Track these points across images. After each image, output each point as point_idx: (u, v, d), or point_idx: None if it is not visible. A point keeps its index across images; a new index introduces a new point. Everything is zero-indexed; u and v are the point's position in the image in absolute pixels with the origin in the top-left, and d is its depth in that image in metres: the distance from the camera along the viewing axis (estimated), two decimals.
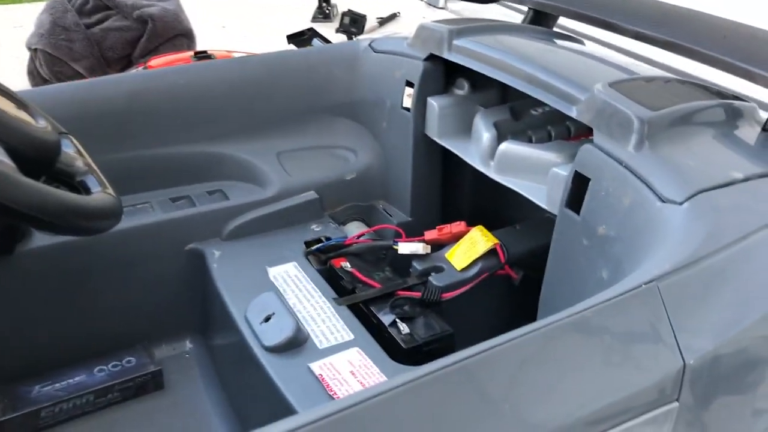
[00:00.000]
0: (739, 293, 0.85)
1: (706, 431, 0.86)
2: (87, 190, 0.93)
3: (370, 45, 1.64)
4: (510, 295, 1.40)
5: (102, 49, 3.24)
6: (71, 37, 3.18)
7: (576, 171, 1.11)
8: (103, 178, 0.97)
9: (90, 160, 1.00)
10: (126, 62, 3.29)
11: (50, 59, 3.19)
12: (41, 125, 0.93)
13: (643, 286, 0.81)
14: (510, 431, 0.71)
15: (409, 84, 1.51)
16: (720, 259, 0.87)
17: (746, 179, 1.00)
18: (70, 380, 1.35)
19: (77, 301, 1.37)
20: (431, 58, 1.49)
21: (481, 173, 1.40)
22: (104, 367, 1.39)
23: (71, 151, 1.00)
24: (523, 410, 0.72)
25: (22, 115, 0.96)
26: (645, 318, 0.80)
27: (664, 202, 0.96)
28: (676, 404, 0.80)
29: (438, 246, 1.43)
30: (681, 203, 0.94)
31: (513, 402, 0.71)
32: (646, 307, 0.80)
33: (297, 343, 1.17)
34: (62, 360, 1.37)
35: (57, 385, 1.34)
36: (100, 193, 0.91)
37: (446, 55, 1.44)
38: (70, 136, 1.04)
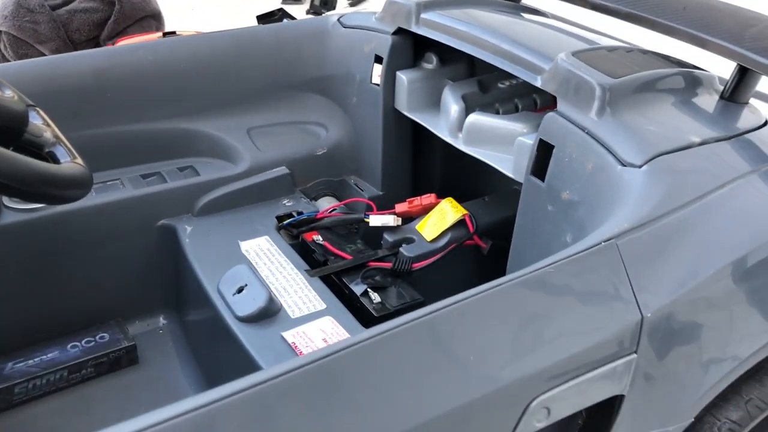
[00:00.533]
0: (694, 250, 0.89)
1: (662, 383, 0.89)
2: (56, 161, 0.93)
3: (339, 20, 1.64)
4: (479, 264, 1.42)
5: (68, 31, 3.18)
6: (36, 18, 3.12)
7: (540, 139, 1.13)
8: (72, 148, 0.97)
9: (58, 132, 1.00)
10: (93, 44, 3.24)
11: (15, 41, 3.13)
12: (8, 95, 0.93)
13: (603, 243, 0.84)
14: (474, 381, 0.73)
15: (378, 60, 1.52)
16: (677, 218, 0.90)
17: (703, 143, 1.03)
18: (44, 356, 1.35)
19: (49, 278, 1.37)
20: (400, 32, 1.50)
21: (451, 146, 1.42)
22: (77, 344, 1.39)
23: (39, 122, 1.00)
24: (486, 361, 0.75)
25: None
26: (604, 274, 0.83)
27: (624, 165, 0.99)
28: (634, 356, 0.84)
29: (409, 218, 1.45)
30: (640, 166, 0.97)
31: (477, 353, 0.74)
32: (605, 264, 0.83)
33: (270, 313, 1.19)
34: (35, 337, 1.37)
35: (30, 361, 1.34)
36: (70, 163, 0.92)
37: (414, 29, 1.45)
38: (38, 108, 1.04)
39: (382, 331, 0.70)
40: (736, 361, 0.93)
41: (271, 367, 0.66)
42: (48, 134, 0.98)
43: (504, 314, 0.77)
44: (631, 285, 0.83)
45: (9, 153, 0.79)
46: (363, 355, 0.69)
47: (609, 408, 0.89)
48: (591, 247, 0.83)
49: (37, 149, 0.94)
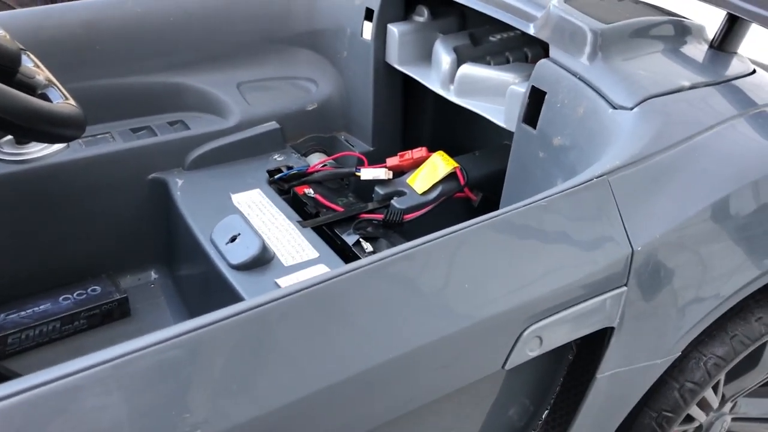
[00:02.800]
0: (683, 188, 0.90)
1: (651, 317, 0.91)
2: (50, 101, 0.93)
3: None
4: (470, 216, 1.42)
5: None
6: None
7: (533, 86, 1.14)
8: (64, 90, 0.97)
9: (50, 75, 0.99)
10: None
11: None
12: (0, 34, 0.92)
13: (595, 179, 0.85)
14: (469, 308, 0.75)
15: (369, 13, 1.52)
16: (666, 157, 0.91)
17: (692, 87, 1.05)
18: (36, 308, 1.35)
19: (40, 230, 1.36)
20: None
21: (442, 101, 1.43)
22: (69, 296, 1.39)
23: (30, 65, 0.99)
24: (481, 290, 0.76)
25: None
26: (596, 208, 0.84)
27: (615, 108, 1.00)
28: (624, 289, 0.86)
29: (400, 172, 1.46)
30: (631, 108, 0.99)
31: (472, 282, 0.75)
32: (597, 199, 0.85)
33: (263, 261, 1.20)
34: (27, 290, 1.38)
35: (23, 312, 1.34)
36: (63, 103, 0.91)
37: None
38: (28, 52, 1.03)
39: (376, 260, 0.71)
40: (721, 297, 0.96)
41: (267, 293, 0.67)
42: (40, 77, 0.97)
43: (498, 245, 0.79)
44: (621, 219, 0.85)
45: (7, 88, 0.78)
46: (356, 282, 0.70)
47: (599, 341, 0.91)
48: (583, 183, 0.84)
49: (30, 90, 0.94)
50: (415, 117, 1.67)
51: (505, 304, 0.76)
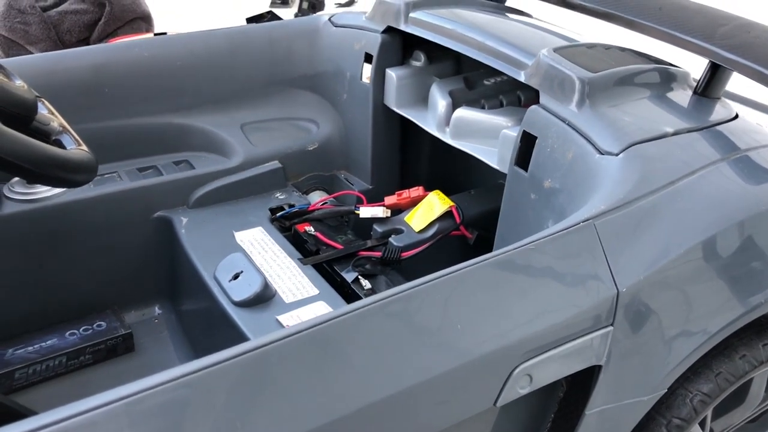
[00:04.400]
0: (666, 230, 0.95)
1: (637, 355, 0.95)
2: (63, 148, 0.98)
3: (329, 19, 1.70)
4: (465, 253, 1.46)
5: (59, 33, 3.21)
6: (27, 20, 3.15)
7: (524, 131, 1.19)
8: (77, 137, 1.02)
9: (64, 121, 1.04)
10: (84, 46, 3.27)
11: (6, 42, 3.16)
12: (18, 84, 0.97)
13: (581, 223, 0.89)
14: (462, 348, 0.79)
15: (368, 58, 1.58)
16: (650, 201, 0.96)
17: (676, 133, 1.09)
18: (43, 343, 1.39)
19: (47, 267, 1.40)
20: (389, 30, 1.55)
21: (438, 142, 1.48)
22: (75, 331, 1.43)
23: (45, 112, 1.04)
24: (473, 331, 0.80)
25: None
26: (582, 251, 0.89)
27: (602, 154, 1.05)
28: (611, 329, 0.89)
29: (398, 210, 1.50)
30: (617, 154, 1.04)
31: (464, 323, 0.79)
32: (583, 242, 0.89)
33: (265, 298, 1.23)
34: (34, 325, 1.41)
35: (30, 348, 1.38)
36: (77, 150, 0.96)
37: (403, 27, 1.51)
38: (43, 99, 1.08)
39: (374, 301, 0.75)
40: (706, 335, 0.99)
41: (267, 334, 0.71)
42: (55, 123, 1.02)
43: (489, 287, 0.83)
44: (607, 262, 0.89)
45: (23, 137, 0.83)
46: (355, 322, 0.74)
47: (588, 378, 0.94)
48: (570, 227, 0.89)
49: (45, 137, 0.99)
50: (413, 157, 1.72)
51: (496, 344, 0.80)
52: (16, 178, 1.37)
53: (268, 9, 3.21)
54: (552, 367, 0.86)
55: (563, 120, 1.13)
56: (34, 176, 0.86)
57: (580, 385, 0.96)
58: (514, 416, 0.97)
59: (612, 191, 0.96)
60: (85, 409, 0.62)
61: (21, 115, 0.93)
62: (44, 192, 1.38)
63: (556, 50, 1.21)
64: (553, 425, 1.02)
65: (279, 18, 3.14)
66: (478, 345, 0.79)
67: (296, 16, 4.25)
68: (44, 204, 1.36)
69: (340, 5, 4.98)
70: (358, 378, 0.74)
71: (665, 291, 0.94)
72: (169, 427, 0.65)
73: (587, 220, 0.90)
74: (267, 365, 0.70)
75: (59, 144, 0.99)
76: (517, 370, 0.83)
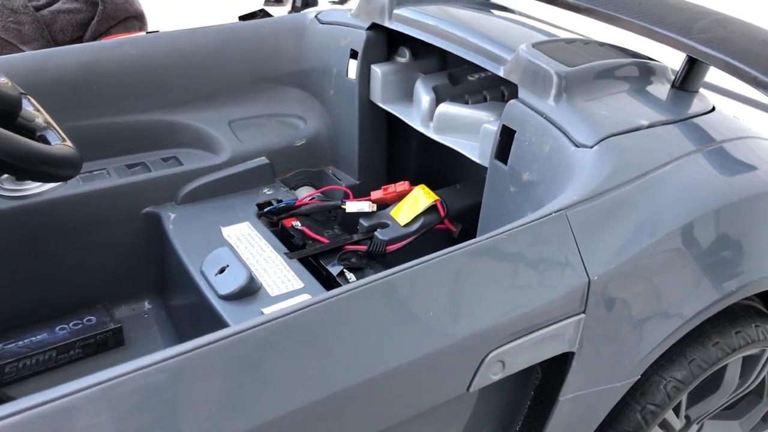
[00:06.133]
0: (638, 220, 0.97)
1: (609, 342, 0.97)
2: (48, 144, 1.00)
3: (316, 17, 1.72)
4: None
5: (52, 32, 3.23)
6: (20, 19, 3.17)
7: (503, 125, 1.21)
8: (62, 133, 1.04)
9: (49, 117, 1.06)
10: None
11: None
12: (2, 81, 0.99)
13: (554, 213, 0.91)
14: (434, 334, 0.81)
15: (354, 54, 1.60)
16: (622, 192, 0.98)
17: (651, 125, 1.11)
18: (33, 338, 1.41)
19: (37, 263, 1.42)
20: (374, 27, 1.57)
21: (424, 138, 1.50)
22: (65, 326, 1.45)
23: (30, 109, 1.06)
24: (445, 317, 0.82)
25: None
26: (555, 241, 0.91)
27: (577, 146, 1.07)
28: (582, 316, 0.92)
29: (384, 205, 1.52)
30: (592, 146, 1.06)
31: (436, 310, 0.81)
32: (555, 232, 0.91)
33: (250, 292, 1.25)
34: (24, 320, 1.43)
35: (20, 342, 1.39)
36: (61, 145, 0.98)
37: (387, 23, 1.53)
38: (29, 96, 1.10)
39: (349, 288, 0.78)
40: (678, 322, 1.01)
41: (247, 320, 0.73)
42: (40, 120, 1.04)
43: (462, 275, 0.85)
44: (579, 251, 0.91)
45: (7, 132, 0.85)
46: (330, 309, 0.76)
47: (561, 365, 0.96)
48: (542, 217, 0.91)
49: (30, 133, 1.00)
50: (399, 152, 1.74)
51: (468, 330, 0.82)
52: (5, 175, 1.39)
53: (260, 7, 3.23)
54: (524, 354, 0.88)
55: (541, 114, 1.15)
56: (17, 171, 0.87)
57: (554, 372, 0.98)
58: (491, 403, 0.99)
59: (585, 182, 0.98)
60: (62, 394, 0.64)
61: (5, 112, 0.95)
62: (34, 189, 1.39)
63: (534, 45, 1.23)
64: (529, 412, 1.04)
65: (271, 16, 3.15)
66: (451, 331, 0.82)
67: (289, 14, 4.27)
68: (33, 200, 1.38)
69: (334, 2, 5.01)
70: (334, 363, 0.76)
71: (637, 279, 0.96)
72: (146, 410, 0.67)
73: (559, 210, 0.92)
74: (244, 350, 0.72)
75: (44, 140, 1.01)
76: (489, 357, 0.85)
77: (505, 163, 1.21)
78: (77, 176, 1.47)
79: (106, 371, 0.66)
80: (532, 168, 1.14)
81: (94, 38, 3.23)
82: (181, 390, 0.69)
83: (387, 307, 0.79)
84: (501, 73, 1.27)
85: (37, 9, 3.21)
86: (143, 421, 0.66)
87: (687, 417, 1.22)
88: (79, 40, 3.31)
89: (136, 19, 3.42)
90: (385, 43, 1.59)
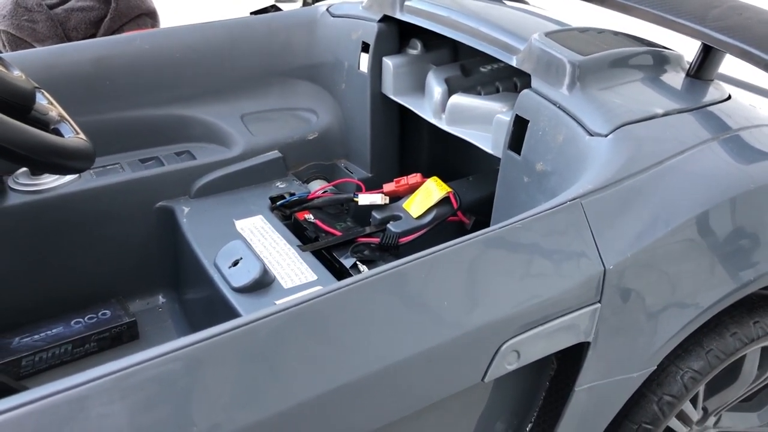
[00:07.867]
0: (652, 209, 0.96)
1: (625, 331, 0.96)
2: (62, 136, 1.00)
3: (327, 10, 1.71)
4: None
5: (66, 30, 3.25)
6: (34, 17, 3.19)
7: (516, 115, 1.20)
8: (75, 126, 1.04)
9: (62, 111, 1.06)
10: None
11: (14, 40, 3.19)
12: (16, 74, 1.00)
13: (569, 202, 0.91)
14: (449, 323, 0.80)
15: (365, 47, 1.59)
16: (637, 181, 0.97)
17: (666, 114, 1.10)
18: (48, 332, 1.42)
19: (52, 257, 1.43)
20: (385, 20, 1.57)
21: (436, 129, 1.49)
22: (81, 320, 1.45)
23: (44, 102, 1.07)
24: (460, 306, 0.81)
25: None
26: (570, 230, 0.90)
27: (592, 135, 1.06)
28: (598, 305, 0.91)
29: (396, 198, 1.52)
30: (606, 135, 1.05)
31: (451, 300, 0.81)
32: (570, 221, 0.90)
33: (264, 284, 1.25)
34: (40, 314, 1.44)
35: (36, 336, 1.40)
36: (74, 137, 0.98)
37: (398, 15, 1.52)
38: (42, 90, 1.10)
39: (362, 278, 0.77)
40: (694, 312, 1.00)
41: (260, 310, 0.73)
42: (53, 113, 1.05)
43: (476, 264, 0.84)
44: (594, 240, 0.90)
45: (21, 125, 0.86)
46: (343, 298, 0.76)
47: (577, 355, 0.96)
48: (557, 206, 0.90)
49: (44, 126, 1.01)
50: (411, 144, 1.74)
51: (483, 320, 0.82)
52: (21, 170, 1.40)
53: (272, 3, 3.23)
54: (539, 344, 0.88)
55: (554, 103, 1.14)
56: (31, 163, 0.88)
57: (569, 362, 0.97)
58: (506, 393, 0.99)
59: (600, 171, 0.97)
60: (76, 384, 0.64)
61: (19, 105, 0.96)
62: (48, 183, 1.40)
63: (547, 34, 1.22)
64: (544, 402, 1.03)
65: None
66: (465, 321, 0.81)
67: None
68: (48, 195, 1.39)
69: None
70: (347, 353, 0.75)
71: (652, 268, 0.95)
72: (158, 400, 0.67)
73: (574, 199, 0.91)
74: (256, 340, 0.72)
75: (58, 133, 1.01)
76: (504, 346, 0.84)
77: (519, 154, 1.20)
78: (91, 171, 1.48)
79: (118, 361, 0.67)
80: (546, 158, 1.13)
81: (107, 36, 3.25)
82: (193, 380, 0.69)
83: (400, 297, 0.79)
84: (514, 63, 1.26)
85: (51, 7, 3.23)
86: (156, 410, 0.66)
87: (704, 408, 1.21)
88: (92, 37, 3.32)
89: (148, 17, 3.43)
90: (397, 35, 1.59)
